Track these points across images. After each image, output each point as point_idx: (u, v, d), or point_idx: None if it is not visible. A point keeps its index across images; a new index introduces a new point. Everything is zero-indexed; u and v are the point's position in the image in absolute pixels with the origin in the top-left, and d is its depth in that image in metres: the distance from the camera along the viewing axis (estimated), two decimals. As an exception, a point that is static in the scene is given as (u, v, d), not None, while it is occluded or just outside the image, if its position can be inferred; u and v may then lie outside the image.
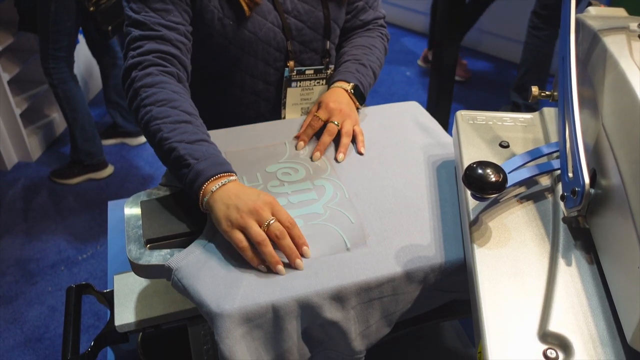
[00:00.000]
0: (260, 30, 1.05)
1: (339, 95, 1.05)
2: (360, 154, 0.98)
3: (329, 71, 1.15)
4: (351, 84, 1.07)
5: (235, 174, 0.83)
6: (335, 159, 0.96)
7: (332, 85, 1.09)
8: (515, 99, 2.91)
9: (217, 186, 0.79)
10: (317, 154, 0.97)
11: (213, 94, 1.15)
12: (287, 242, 0.74)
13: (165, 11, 0.95)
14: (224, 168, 0.82)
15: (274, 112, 1.17)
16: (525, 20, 2.79)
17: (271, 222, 0.75)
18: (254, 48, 1.06)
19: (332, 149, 0.99)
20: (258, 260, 0.74)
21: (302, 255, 0.76)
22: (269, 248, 0.73)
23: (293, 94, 1.14)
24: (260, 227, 0.75)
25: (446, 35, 1.99)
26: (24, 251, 2.30)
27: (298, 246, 0.76)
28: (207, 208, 0.80)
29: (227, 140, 1.01)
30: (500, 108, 3.12)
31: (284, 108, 1.16)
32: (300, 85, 1.13)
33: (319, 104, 1.04)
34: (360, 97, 1.08)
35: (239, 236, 0.74)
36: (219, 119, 1.13)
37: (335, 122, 0.99)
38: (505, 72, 3.63)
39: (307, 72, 1.13)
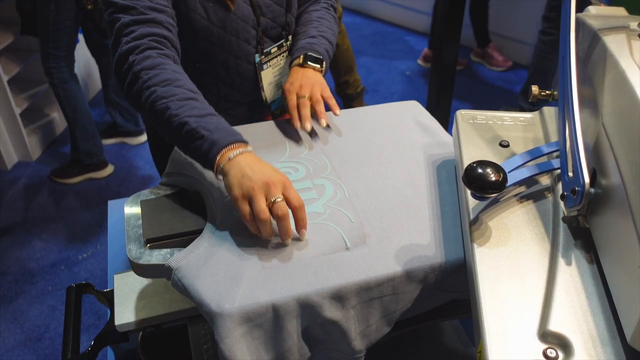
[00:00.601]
0: (237, 10, 1.08)
1: (295, 74, 1.11)
2: (336, 115, 1.07)
3: (288, 42, 1.20)
4: (300, 56, 1.12)
5: (242, 139, 0.84)
6: (320, 126, 1.03)
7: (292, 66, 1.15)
8: (522, 103, 2.91)
9: (235, 154, 0.81)
10: (307, 124, 1.02)
11: (199, 77, 1.13)
12: (286, 224, 0.76)
13: None
14: (238, 137, 0.84)
15: (254, 92, 1.20)
16: (532, 22, 2.78)
17: (277, 199, 0.76)
18: (234, 26, 1.09)
19: (330, 142, 0.99)
20: (259, 232, 0.78)
21: (299, 235, 0.79)
22: (267, 228, 0.76)
23: (267, 75, 1.19)
24: (267, 202, 0.77)
25: (446, 34, 1.99)
26: (24, 250, 2.30)
27: (298, 228, 0.79)
28: (222, 173, 0.81)
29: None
30: (501, 108, 3.13)
31: (263, 90, 1.20)
32: (270, 65, 1.18)
33: (283, 92, 1.10)
34: (316, 61, 1.12)
35: (245, 208, 0.77)
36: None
37: (304, 95, 1.05)
38: (508, 72, 3.62)
39: (272, 50, 1.17)
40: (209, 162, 0.82)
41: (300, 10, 1.25)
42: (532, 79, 2.86)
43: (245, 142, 0.84)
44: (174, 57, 0.95)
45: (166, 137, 0.88)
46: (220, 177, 0.82)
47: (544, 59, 2.77)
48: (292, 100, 1.05)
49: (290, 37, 1.20)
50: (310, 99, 1.05)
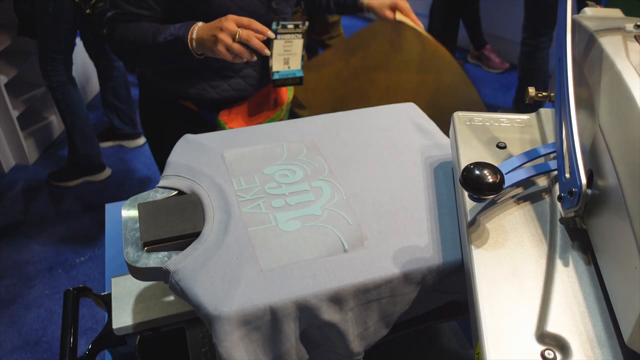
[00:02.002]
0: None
1: None
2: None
3: (305, 26, 1.36)
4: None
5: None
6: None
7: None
8: (515, 111, 2.92)
9: (195, 30, 1.18)
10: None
11: None
12: (255, 42, 1.14)
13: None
14: (190, 23, 1.19)
15: (262, 61, 1.40)
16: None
17: (240, 32, 1.12)
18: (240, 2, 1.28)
19: (327, 144, 0.99)
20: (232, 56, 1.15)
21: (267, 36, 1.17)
22: (243, 51, 1.15)
23: (278, 46, 1.35)
24: (233, 40, 1.13)
25: (443, 36, 1.99)
26: (22, 254, 2.29)
27: (263, 33, 1.16)
28: (197, 44, 1.18)
29: (225, 141, 1.01)
30: (498, 111, 3.14)
31: (272, 57, 1.35)
32: (283, 38, 1.34)
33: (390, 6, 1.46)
34: None
35: (222, 49, 1.14)
36: (211, 68, 1.37)
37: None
38: (504, 74, 3.63)
39: (289, 26, 1.34)
40: (186, 47, 1.18)
41: None
42: (521, 90, 2.87)
43: (194, 23, 1.19)
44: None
45: (155, 58, 1.27)
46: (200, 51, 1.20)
47: (528, 70, 2.76)
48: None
49: (307, 22, 1.36)
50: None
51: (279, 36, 1.32)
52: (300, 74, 1.38)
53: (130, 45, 1.24)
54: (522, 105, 2.89)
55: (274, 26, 1.31)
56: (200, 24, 1.17)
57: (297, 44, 1.36)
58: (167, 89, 1.41)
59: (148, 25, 1.22)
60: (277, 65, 1.36)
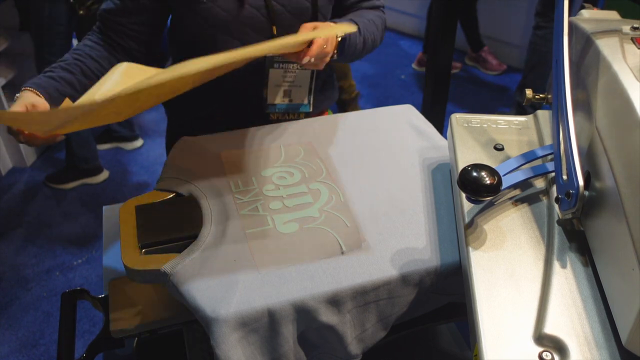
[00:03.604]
0: (237, 10, 1.06)
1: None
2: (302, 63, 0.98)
3: None
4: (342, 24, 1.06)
5: (36, 89, 0.93)
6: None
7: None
8: (518, 98, 2.96)
9: (16, 96, 0.94)
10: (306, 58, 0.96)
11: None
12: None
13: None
14: (27, 83, 0.95)
15: (257, 91, 1.17)
16: (526, 25, 2.81)
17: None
18: (229, 28, 1.08)
19: (325, 146, 0.99)
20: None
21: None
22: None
23: (275, 76, 1.14)
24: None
25: (441, 38, 2.00)
26: (19, 256, 2.29)
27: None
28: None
29: (223, 143, 1.01)
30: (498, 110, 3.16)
31: (266, 87, 1.16)
32: (282, 67, 1.13)
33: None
34: (339, 48, 1.05)
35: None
36: (206, 96, 1.16)
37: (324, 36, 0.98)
38: (502, 76, 3.63)
39: None
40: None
41: (352, 9, 1.19)
42: (529, 75, 2.89)
43: (29, 87, 0.94)
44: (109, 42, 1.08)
45: None
46: None
47: (540, 53, 2.80)
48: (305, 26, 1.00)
49: None
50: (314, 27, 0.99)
51: (275, 64, 1.12)
52: (307, 109, 1.19)
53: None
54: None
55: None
56: (26, 95, 0.94)
57: (302, 75, 1.16)
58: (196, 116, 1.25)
59: (79, 52, 1.05)
60: (272, 97, 1.17)
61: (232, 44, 1.09)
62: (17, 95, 0.93)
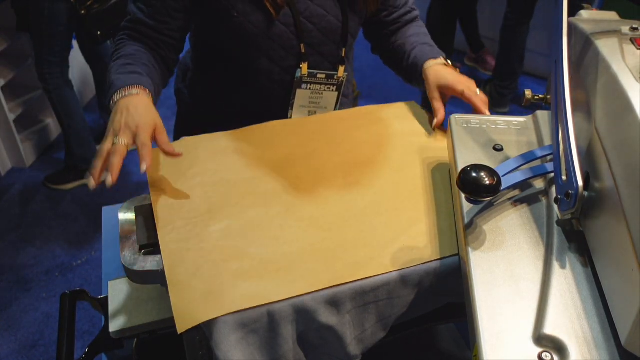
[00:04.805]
0: (267, 26, 1.04)
1: (449, 73, 1.07)
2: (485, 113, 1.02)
3: (341, 78, 1.15)
4: (441, 57, 1.09)
5: (149, 89, 0.91)
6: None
7: (428, 66, 1.09)
8: (497, 82, 3.21)
9: (122, 95, 0.89)
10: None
11: (229, 80, 1.16)
12: (114, 160, 0.81)
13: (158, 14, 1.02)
14: (134, 80, 0.90)
15: (281, 110, 1.16)
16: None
17: (116, 141, 0.83)
18: (258, 43, 1.06)
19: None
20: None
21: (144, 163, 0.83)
22: (97, 162, 0.83)
23: (302, 96, 1.14)
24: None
25: (440, 39, 2.00)
26: (18, 257, 2.29)
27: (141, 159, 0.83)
28: (112, 109, 0.89)
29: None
30: (486, 88, 3.31)
31: (292, 109, 1.15)
32: (310, 88, 1.13)
33: (439, 87, 1.07)
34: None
35: (107, 144, 0.84)
36: (229, 107, 1.18)
37: (475, 90, 1.04)
38: (500, 75, 3.63)
39: (319, 75, 1.12)
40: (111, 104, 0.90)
41: (395, 25, 1.20)
42: (499, 58, 3.19)
43: (141, 86, 0.90)
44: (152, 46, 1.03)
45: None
46: None
47: (508, 41, 3.09)
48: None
49: (345, 75, 1.15)
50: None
51: (304, 85, 1.12)
52: None
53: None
54: (499, 81, 3.18)
55: (298, 73, 1.10)
56: (136, 92, 0.90)
57: (328, 97, 1.15)
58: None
59: (131, 51, 1.00)
60: (298, 117, 1.16)
61: (258, 59, 1.09)
62: (127, 93, 0.89)
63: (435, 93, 1.07)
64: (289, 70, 1.11)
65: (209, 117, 1.21)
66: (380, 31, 1.22)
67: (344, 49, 1.13)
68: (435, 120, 1.04)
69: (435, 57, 1.09)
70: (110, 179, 0.80)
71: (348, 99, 1.26)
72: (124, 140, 0.83)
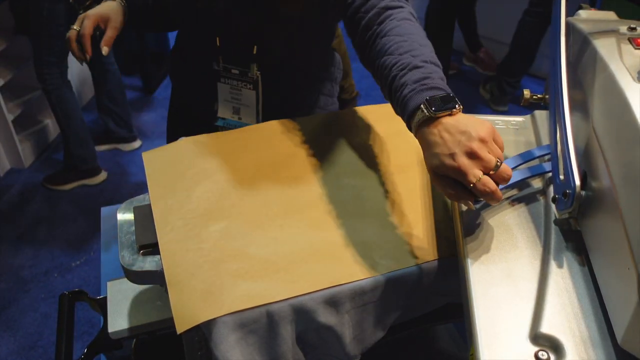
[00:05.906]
0: (194, 17, 1.12)
1: (428, 140, 0.69)
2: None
3: (255, 76, 1.10)
4: (420, 107, 0.70)
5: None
6: None
7: (416, 129, 0.72)
8: (504, 77, 3.15)
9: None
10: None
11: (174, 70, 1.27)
12: (77, 45, 1.18)
13: None
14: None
15: (209, 103, 1.17)
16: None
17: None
18: (187, 32, 1.17)
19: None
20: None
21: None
22: (71, 48, 1.19)
23: (223, 90, 1.13)
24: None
25: (438, 39, 2.00)
26: (17, 258, 2.28)
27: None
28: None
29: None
30: (485, 86, 3.32)
31: (217, 101, 1.15)
32: (228, 83, 1.12)
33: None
34: (441, 101, 0.69)
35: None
36: (176, 99, 1.29)
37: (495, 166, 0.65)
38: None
39: (232, 71, 1.10)
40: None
41: (360, 17, 0.90)
42: (512, 55, 3.07)
43: None
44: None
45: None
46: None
47: (525, 34, 2.97)
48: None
49: (258, 73, 1.08)
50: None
51: (222, 78, 1.10)
52: None
53: None
54: (508, 77, 3.12)
55: (214, 65, 1.09)
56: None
57: (247, 94, 1.12)
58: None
59: None
60: (222, 111, 1.15)
61: (190, 48, 1.19)
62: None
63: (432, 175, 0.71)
64: (211, 63, 1.12)
65: (173, 113, 1.30)
66: (349, 26, 0.95)
67: (254, 47, 1.07)
68: None
69: (418, 105, 0.70)
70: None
71: (332, 99, 1.25)
72: (75, 26, 1.16)
